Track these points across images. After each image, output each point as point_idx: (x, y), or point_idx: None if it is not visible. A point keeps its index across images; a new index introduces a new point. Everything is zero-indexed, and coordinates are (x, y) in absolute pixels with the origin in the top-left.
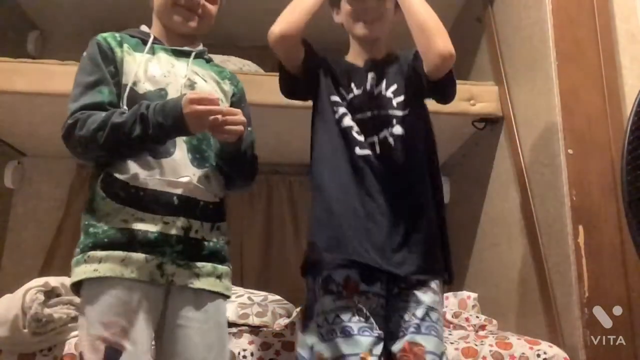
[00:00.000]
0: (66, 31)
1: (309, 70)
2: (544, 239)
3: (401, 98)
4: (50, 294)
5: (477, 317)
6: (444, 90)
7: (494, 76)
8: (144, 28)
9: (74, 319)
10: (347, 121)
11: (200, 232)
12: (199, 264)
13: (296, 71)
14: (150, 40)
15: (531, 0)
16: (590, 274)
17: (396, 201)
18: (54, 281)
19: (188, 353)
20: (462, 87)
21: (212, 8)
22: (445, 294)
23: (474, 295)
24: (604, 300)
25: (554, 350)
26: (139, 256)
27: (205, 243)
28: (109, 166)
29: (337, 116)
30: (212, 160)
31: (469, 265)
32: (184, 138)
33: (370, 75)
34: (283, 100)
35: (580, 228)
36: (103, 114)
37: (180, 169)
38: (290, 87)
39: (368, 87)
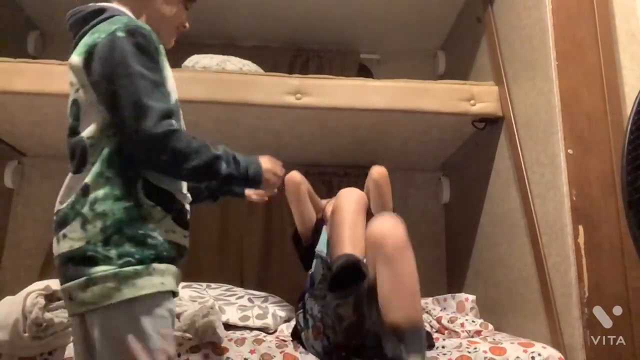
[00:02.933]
0: (66, 31)
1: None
2: (544, 239)
3: None
4: (51, 297)
5: (473, 321)
6: None
7: (494, 76)
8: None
9: None
10: None
11: None
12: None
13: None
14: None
15: (531, 0)
16: (590, 274)
17: None
18: (55, 284)
19: None
20: (462, 87)
21: None
22: (443, 296)
23: (472, 297)
24: (604, 300)
25: (548, 351)
26: (177, 269)
27: None
28: (145, 172)
29: None
30: None
31: (469, 265)
32: None
33: None
34: (283, 100)
35: (580, 228)
36: (200, 141)
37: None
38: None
39: None
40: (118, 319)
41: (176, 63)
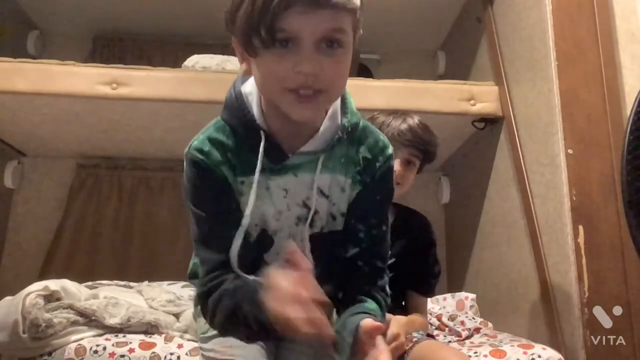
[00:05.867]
0: (66, 31)
1: None
2: (544, 239)
3: None
4: (50, 298)
5: (473, 318)
6: None
7: (494, 76)
8: (254, 107)
9: (74, 324)
10: None
11: None
12: None
13: None
14: (261, 150)
15: (531, 0)
16: (590, 274)
17: None
18: (54, 285)
19: None
20: (462, 87)
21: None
22: (443, 295)
23: (472, 296)
24: (604, 300)
25: (548, 352)
26: None
27: None
28: None
29: None
30: None
31: (468, 265)
32: None
33: None
34: None
35: (580, 228)
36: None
37: None
38: None
39: None
40: None
41: (176, 63)
